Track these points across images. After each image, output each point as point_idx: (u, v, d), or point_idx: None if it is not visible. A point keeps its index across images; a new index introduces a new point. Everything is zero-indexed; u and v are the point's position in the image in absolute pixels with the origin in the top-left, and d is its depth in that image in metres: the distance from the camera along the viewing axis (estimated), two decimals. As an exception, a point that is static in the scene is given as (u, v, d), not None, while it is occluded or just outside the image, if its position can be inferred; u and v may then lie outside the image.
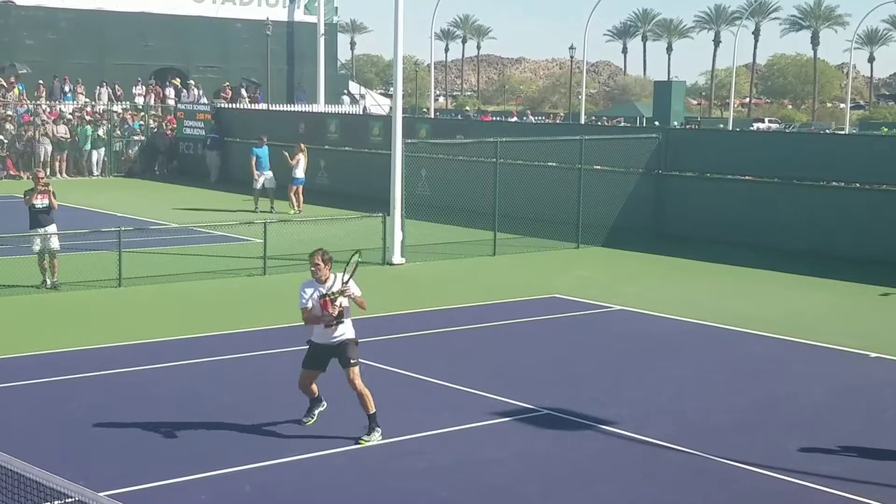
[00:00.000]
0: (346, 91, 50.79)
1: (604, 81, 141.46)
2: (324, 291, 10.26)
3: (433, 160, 27.33)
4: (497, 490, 9.26)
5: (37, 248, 17.42)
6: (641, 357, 14.21)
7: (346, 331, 10.41)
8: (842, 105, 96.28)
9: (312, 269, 10.43)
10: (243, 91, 44.43)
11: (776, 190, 23.93)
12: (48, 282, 17.47)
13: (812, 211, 22.91)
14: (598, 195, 24.21)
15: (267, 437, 10.41)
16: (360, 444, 10.18)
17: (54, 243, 17.49)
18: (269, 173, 28.79)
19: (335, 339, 10.39)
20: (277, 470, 9.58)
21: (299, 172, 28.50)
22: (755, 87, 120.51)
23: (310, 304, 10.30)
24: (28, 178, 34.58)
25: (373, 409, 10.31)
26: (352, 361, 10.32)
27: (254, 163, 28.88)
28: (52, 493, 6.14)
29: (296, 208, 28.26)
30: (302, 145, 29.36)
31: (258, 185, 28.75)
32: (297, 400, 11.74)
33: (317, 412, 10.79)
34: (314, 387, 10.72)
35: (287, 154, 28.55)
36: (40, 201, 17.34)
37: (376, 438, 10.26)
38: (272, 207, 28.45)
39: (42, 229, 17.32)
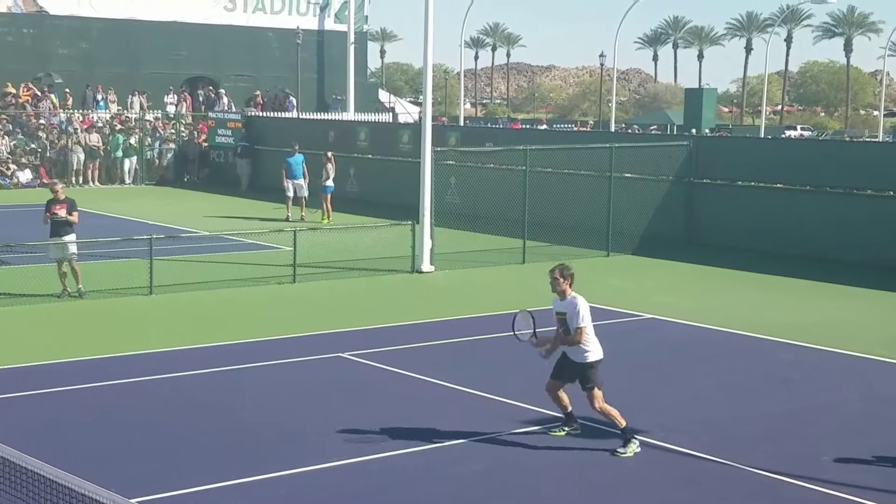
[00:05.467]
0: (386, 103, 51.06)
1: (634, 89, 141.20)
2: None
3: (463, 168, 27.32)
4: (530, 499, 9.22)
5: (52, 255, 17.57)
6: (673, 366, 14.13)
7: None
8: (875, 112, 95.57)
9: (551, 283, 10.49)
10: (291, 100, 44.58)
11: (808, 198, 23.76)
12: (68, 291, 17.48)
13: (845, 219, 22.69)
14: (628, 203, 24.12)
15: (298, 444, 10.42)
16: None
17: (71, 249, 17.52)
18: (300, 181, 28.89)
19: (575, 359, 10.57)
20: (310, 476, 9.59)
21: (328, 181, 28.59)
22: (787, 94, 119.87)
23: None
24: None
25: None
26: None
27: (284, 171, 29.04)
28: (83, 499, 6.16)
29: (328, 217, 28.25)
30: (329, 154, 29.42)
31: (289, 193, 28.89)
32: (329, 406, 11.76)
33: (567, 429, 10.81)
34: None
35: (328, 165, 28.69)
36: (58, 211, 17.52)
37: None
38: (303, 216, 28.52)
39: (59, 238, 17.45)
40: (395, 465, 9.89)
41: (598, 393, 10.30)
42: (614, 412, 10.31)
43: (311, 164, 29.21)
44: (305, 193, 28.93)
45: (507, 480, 9.61)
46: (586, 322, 10.32)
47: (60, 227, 17.50)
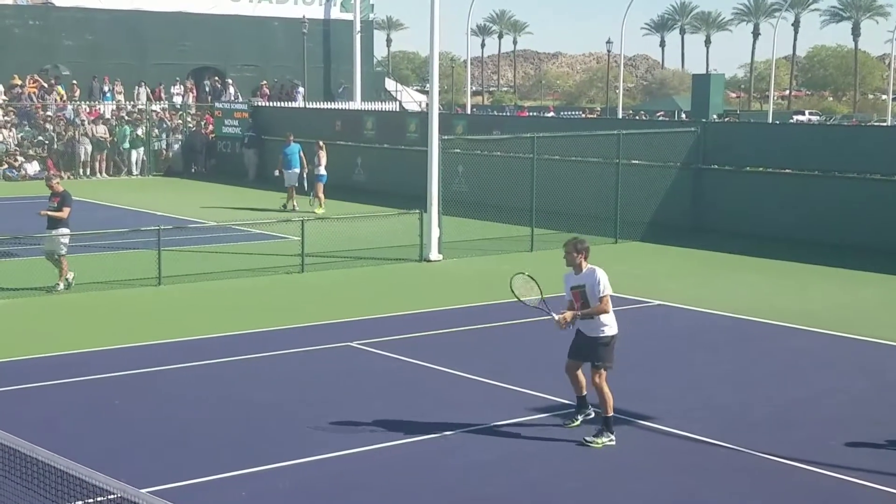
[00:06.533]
0: (393, 92, 51.08)
1: (641, 75, 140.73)
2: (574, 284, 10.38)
3: (470, 156, 27.29)
4: (538, 485, 9.23)
5: (43, 246, 17.63)
6: (681, 352, 14.13)
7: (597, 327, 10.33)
8: (883, 96, 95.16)
9: (565, 257, 10.44)
10: (300, 89, 44.62)
11: (816, 183, 23.69)
12: (60, 285, 17.37)
13: (853, 204, 22.65)
14: (636, 190, 24.09)
15: (306, 434, 10.44)
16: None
17: (58, 243, 17.45)
18: (296, 170, 28.84)
19: (590, 334, 10.37)
20: (317, 466, 9.61)
21: (322, 170, 28.48)
22: (795, 79, 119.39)
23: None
24: (69, 177, 34.97)
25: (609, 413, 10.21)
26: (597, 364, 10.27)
27: (280, 161, 29.08)
28: (95, 489, 6.18)
29: (321, 206, 28.08)
30: (321, 142, 29.33)
31: (287, 183, 28.90)
32: (338, 395, 11.79)
33: (580, 417, 10.67)
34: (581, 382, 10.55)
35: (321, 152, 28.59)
36: (51, 204, 17.61)
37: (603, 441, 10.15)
38: (294, 205, 28.33)
39: (49, 232, 17.48)
40: (401, 455, 9.91)
41: (604, 373, 10.23)
42: (609, 398, 10.18)
43: (305, 154, 29.13)
44: (302, 182, 28.84)
45: (514, 468, 9.62)
46: (610, 290, 10.27)
47: (52, 220, 17.55)
